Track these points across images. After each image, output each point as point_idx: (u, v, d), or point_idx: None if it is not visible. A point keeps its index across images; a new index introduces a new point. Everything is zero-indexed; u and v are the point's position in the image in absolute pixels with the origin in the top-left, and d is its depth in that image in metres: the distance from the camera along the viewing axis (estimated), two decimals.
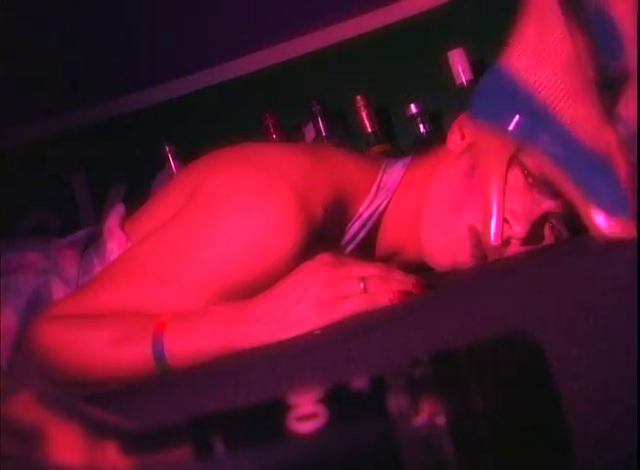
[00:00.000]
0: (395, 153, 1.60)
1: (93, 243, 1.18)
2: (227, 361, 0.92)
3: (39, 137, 2.00)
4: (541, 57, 0.85)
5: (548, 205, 1.04)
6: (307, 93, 1.78)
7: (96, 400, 0.41)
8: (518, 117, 0.88)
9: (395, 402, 0.37)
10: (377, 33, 1.81)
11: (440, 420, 0.36)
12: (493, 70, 0.87)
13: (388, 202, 1.14)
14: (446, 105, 1.68)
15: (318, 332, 0.91)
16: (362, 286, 0.94)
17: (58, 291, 1.12)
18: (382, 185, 1.14)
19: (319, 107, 1.74)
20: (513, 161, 1.05)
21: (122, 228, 1.15)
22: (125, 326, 0.99)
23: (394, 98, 1.77)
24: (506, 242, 1.06)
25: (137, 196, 1.53)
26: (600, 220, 0.83)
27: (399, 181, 1.15)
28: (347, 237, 1.12)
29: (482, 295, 0.83)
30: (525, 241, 1.04)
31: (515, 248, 1.06)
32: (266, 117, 1.78)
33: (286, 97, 1.86)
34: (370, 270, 0.97)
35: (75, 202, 2.00)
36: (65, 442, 0.37)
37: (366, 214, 1.12)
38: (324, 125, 1.74)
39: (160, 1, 1.92)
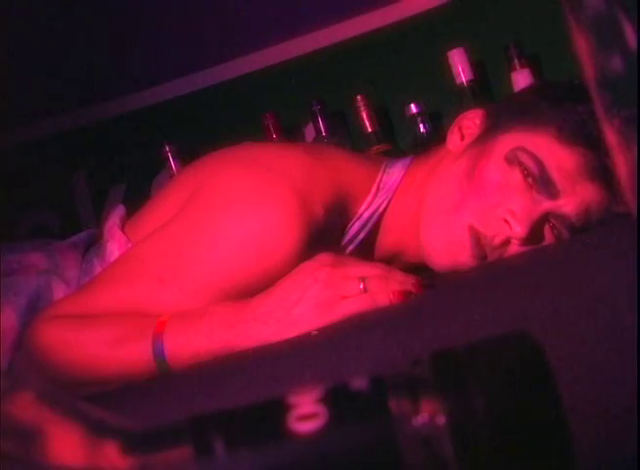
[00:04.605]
0: (395, 153, 1.60)
1: (94, 244, 1.18)
2: (227, 361, 0.92)
3: (39, 137, 2.00)
4: None
5: (548, 204, 1.04)
6: (307, 93, 1.78)
7: (96, 400, 0.41)
8: None
9: (395, 402, 0.37)
10: (377, 33, 1.81)
11: (440, 420, 0.36)
12: None
13: (389, 202, 1.14)
14: (446, 105, 1.68)
15: (315, 332, 0.91)
16: (362, 286, 0.94)
17: (59, 291, 1.12)
18: (382, 185, 1.14)
19: (319, 107, 1.74)
20: (512, 161, 1.05)
21: (123, 229, 1.15)
22: (125, 326, 0.99)
23: (394, 98, 1.77)
24: (506, 242, 1.06)
25: (137, 196, 1.53)
26: None
27: (399, 181, 1.15)
28: (348, 237, 1.12)
29: (482, 295, 0.83)
30: (526, 241, 1.04)
31: (515, 248, 1.06)
32: (266, 117, 1.78)
33: (286, 97, 1.86)
34: (370, 270, 0.97)
35: (75, 202, 2.00)
36: (65, 442, 0.37)
37: (366, 215, 1.12)
38: (324, 125, 1.74)
39: (160, 1, 1.92)
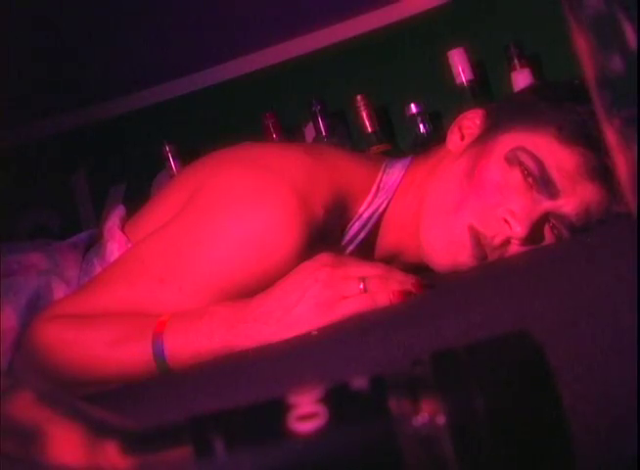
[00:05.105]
0: (395, 153, 1.60)
1: (94, 244, 1.18)
2: (227, 361, 0.92)
3: (39, 137, 2.00)
4: None
5: (548, 205, 1.04)
6: (307, 93, 1.78)
7: (96, 400, 0.41)
8: None
9: (395, 402, 0.37)
10: (377, 33, 1.81)
11: (440, 420, 0.36)
12: None
13: (389, 202, 1.14)
14: (446, 105, 1.68)
15: (315, 332, 0.91)
16: (362, 286, 0.94)
17: (59, 291, 1.12)
18: (382, 185, 1.14)
19: (319, 107, 1.74)
20: (512, 161, 1.05)
21: (123, 229, 1.15)
22: (125, 326, 0.99)
23: (394, 98, 1.77)
24: (506, 242, 1.06)
25: (137, 196, 1.53)
26: None
27: (399, 181, 1.15)
28: (348, 237, 1.12)
29: (482, 295, 0.83)
30: (526, 241, 1.04)
31: (515, 248, 1.06)
32: (266, 117, 1.78)
33: (286, 97, 1.86)
34: (370, 270, 0.97)
35: (75, 202, 2.00)
36: (65, 442, 0.37)
37: (366, 215, 1.12)
38: (324, 125, 1.74)
39: (160, 1, 1.92)
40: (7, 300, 1.10)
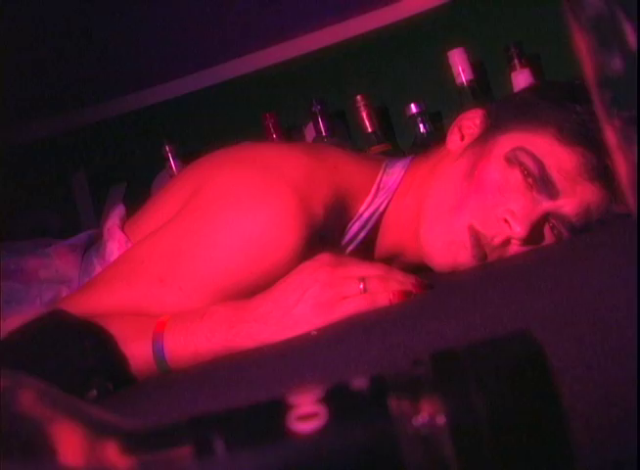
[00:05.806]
0: (395, 153, 1.60)
1: (94, 244, 1.18)
2: (227, 361, 0.92)
3: (39, 137, 2.00)
4: None
5: (548, 205, 1.04)
6: (307, 93, 1.78)
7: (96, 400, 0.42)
8: None
9: (395, 402, 0.37)
10: (377, 33, 1.81)
11: (440, 420, 0.36)
12: None
13: (388, 202, 1.14)
14: (446, 105, 1.68)
15: (315, 332, 0.91)
16: (362, 286, 0.94)
17: (60, 293, 1.12)
18: (382, 185, 1.14)
19: (319, 107, 1.74)
20: (512, 161, 1.05)
21: (122, 229, 1.15)
22: (126, 326, 0.99)
23: (394, 98, 1.77)
24: (506, 242, 1.06)
25: (137, 196, 1.53)
26: None
27: (399, 181, 1.15)
28: (348, 237, 1.12)
29: (482, 295, 0.83)
30: (526, 241, 1.04)
31: (515, 248, 1.06)
32: (266, 117, 1.78)
33: (286, 97, 1.86)
34: (370, 270, 0.97)
35: (75, 202, 2.00)
36: (65, 441, 0.37)
37: (366, 215, 1.12)
38: (324, 125, 1.74)
39: (160, 1, 1.92)
40: (9, 309, 1.10)
